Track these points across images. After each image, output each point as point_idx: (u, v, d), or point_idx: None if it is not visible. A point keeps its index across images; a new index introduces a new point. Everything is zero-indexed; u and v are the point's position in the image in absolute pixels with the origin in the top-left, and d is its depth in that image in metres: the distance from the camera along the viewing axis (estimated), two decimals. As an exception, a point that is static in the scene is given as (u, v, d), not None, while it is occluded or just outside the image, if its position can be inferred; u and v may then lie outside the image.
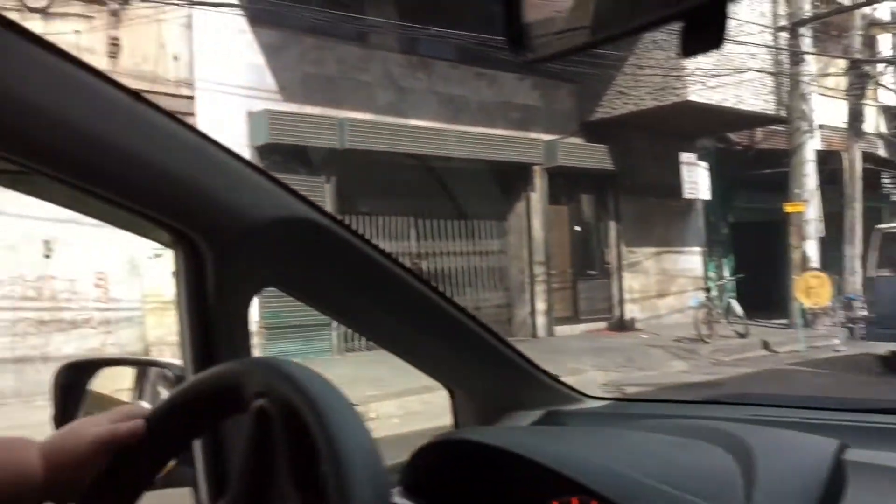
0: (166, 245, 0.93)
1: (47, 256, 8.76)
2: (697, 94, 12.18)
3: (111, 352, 8.95)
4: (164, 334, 9.46)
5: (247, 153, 9.04)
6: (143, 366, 1.26)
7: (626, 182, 13.60)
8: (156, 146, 0.82)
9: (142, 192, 0.84)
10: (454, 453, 0.85)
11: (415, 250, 11.43)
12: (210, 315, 0.91)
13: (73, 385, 1.19)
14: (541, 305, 12.74)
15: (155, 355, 8.77)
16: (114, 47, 8.66)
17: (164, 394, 1.45)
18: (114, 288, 9.29)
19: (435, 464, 0.88)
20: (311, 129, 10.08)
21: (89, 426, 0.70)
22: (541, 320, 12.67)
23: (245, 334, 0.96)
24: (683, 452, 0.83)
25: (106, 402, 1.35)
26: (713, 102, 12.39)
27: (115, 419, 0.70)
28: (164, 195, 0.84)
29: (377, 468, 0.49)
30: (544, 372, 1.29)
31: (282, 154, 9.84)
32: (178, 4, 8.67)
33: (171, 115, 0.82)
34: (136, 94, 0.80)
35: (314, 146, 10.09)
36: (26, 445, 0.69)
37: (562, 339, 12.40)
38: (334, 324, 10.72)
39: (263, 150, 9.71)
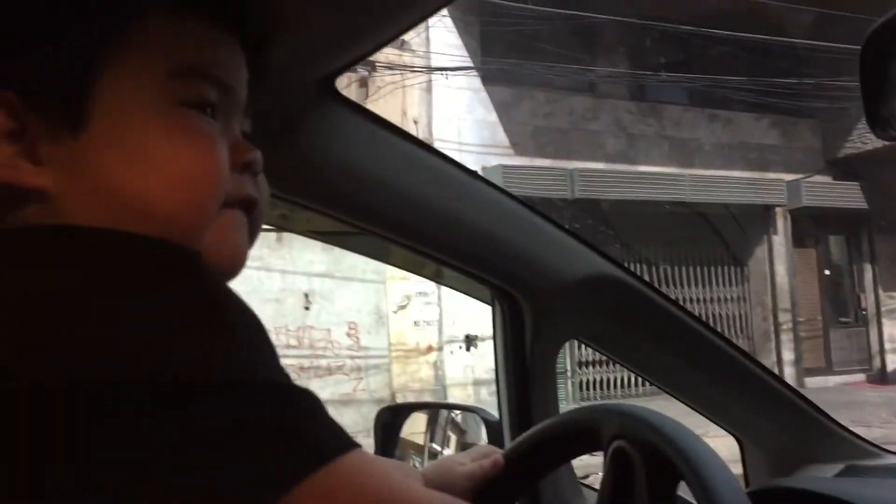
0: (486, 302, 1.06)
1: (306, 308, 9.60)
2: (965, 121, 11.02)
3: (361, 397, 9.58)
4: (407, 381, 9.98)
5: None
6: (453, 409, 1.38)
7: (883, 221, 12.50)
8: (486, 216, 0.95)
9: (472, 256, 0.96)
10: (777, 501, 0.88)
11: (649, 298, 11.19)
12: (526, 364, 1.02)
13: (390, 425, 1.35)
14: (788, 355, 11.95)
15: (400, 401, 9.26)
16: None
17: (453, 437, 1.59)
18: (363, 337, 9.96)
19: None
20: (542, 180, 10.30)
21: (455, 463, 0.83)
22: (788, 371, 11.87)
23: (553, 381, 1.06)
24: None
25: (403, 444, 1.50)
26: None
27: (476, 457, 0.82)
28: (491, 258, 0.96)
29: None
30: (838, 424, 1.27)
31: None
32: (419, 71, 9.31)
33: (499, 189, 0.95)
34: (471, 172, 0.93)
35: (545, 197, 10.30)
36: (413, 472, 0.83)
37: (813, 391, 11.52)
38: (569, 373, 10.76)
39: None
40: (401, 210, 0.90)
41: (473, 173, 0.93)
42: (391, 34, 0.69)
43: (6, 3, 0.53)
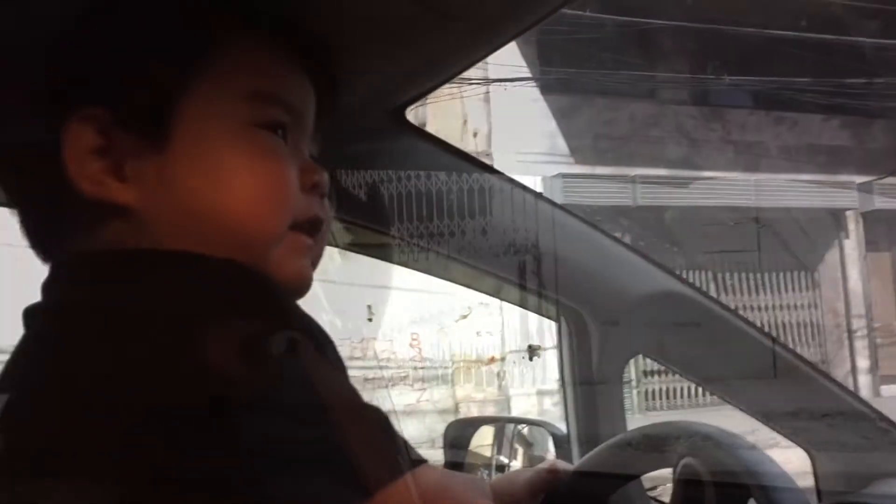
0: (552, 318, 1.08)
1: (370, 320, 9.69)
2: None
3: (425, 408, 9.62)
4: (470, 392, 9.99)
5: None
6: (521, 423, 1.41)
7: (961, 222, 12.05)
8: (550, 234, 0.97)
9: (537, 274, 0.99)
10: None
11: (715, 306, 11.00)
12: (593, 379, 1.04)
13: (459, 439, 1.38)
14: (862, 363, 11.59)
15: (464, 412, 9.29)
16: (420, 125, 9.51)
17: (521, 450, 1.61)
18: (426, 348, 10.02)
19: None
20: (604, 188, 10.23)
21: (522, 474, 0.86)
22: (863, 379, 11.50)
23: (620, 396, 1.08)
24: None
25: (471, 457, 1.53)
26: None
27: (543, 468, 0.85)
28: (556, 276, 0.98)
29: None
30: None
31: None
32: (477, 83, 9.35)
33: (562, 208, 0.97)
34: (535, 193, 0.96)
35: (607, 205, 10.22)
36: (481, 484, 0.86)
37: (890, 399, 11.13)
38: (633, 382, 10.63)
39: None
40: (467, 231, 0.93)
41: (537, 194, 0.96)
42: (461, 68, 0.72)
43: (100, 24, 0.57)
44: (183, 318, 0.51)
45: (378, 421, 0.52)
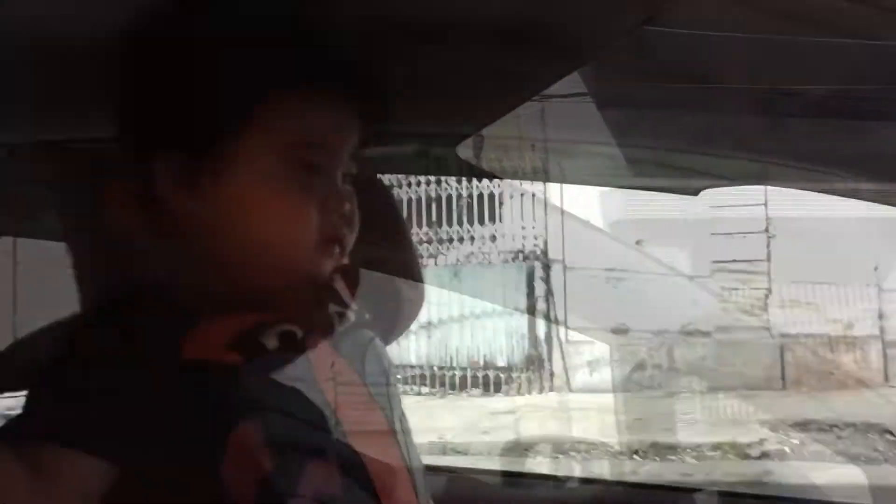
0: (604, 341, 1.11)
1: (429, 337, 9.76)
2: None
3: (487, 425, 9.60)
4: (531, 409, 9.95)
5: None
6: (576, 443, 1.44)
7: None
8: (599, 260, 1.01)
9: (587, 301, 1.03)
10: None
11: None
12: (646, 396, 1.07)
13: (518, 452, 1.43)
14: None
15: (525, 426, 9.24)
16: (478, 139, 9.55)
17: (577, 468, 1.64)
18: (487, 365, 10.01)
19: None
20: (662, 202, 10.11)
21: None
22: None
23: (673, 412, 1.10)
24: None
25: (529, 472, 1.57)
26: None
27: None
28: (605, 302, 1.02)
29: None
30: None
31: (634, 229, 10.01)
32: (532, 100, 9.37)
33: (607, 234, 1.01)
34: (584, 222, 1.00)
35: (664, 218, 10.09)
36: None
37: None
38: (698, 399, 10.43)
39: (616, 226, 9.95)
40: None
41: (587, 223, 1.00)
42: (509, 108, 0.77)
43: (149, 76, 0.62)
44: (184, 311, 0.60)
45: None
